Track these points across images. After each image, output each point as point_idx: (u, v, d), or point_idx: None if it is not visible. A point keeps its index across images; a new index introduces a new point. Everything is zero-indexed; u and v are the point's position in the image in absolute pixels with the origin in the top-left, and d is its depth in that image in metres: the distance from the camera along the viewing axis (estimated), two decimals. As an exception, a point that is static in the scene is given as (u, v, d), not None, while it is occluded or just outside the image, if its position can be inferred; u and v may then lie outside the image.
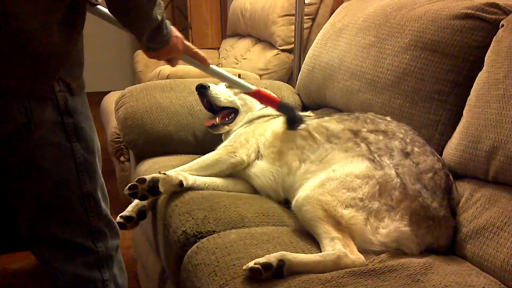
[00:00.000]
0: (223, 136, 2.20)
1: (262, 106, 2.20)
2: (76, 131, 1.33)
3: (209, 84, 2.21)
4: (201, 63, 1.77)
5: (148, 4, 1.34)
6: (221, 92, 2.20)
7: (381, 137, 1.66)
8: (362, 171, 1.54)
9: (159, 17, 1.40)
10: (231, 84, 2.00)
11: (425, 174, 1.54)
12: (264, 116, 2.14)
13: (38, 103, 1.26)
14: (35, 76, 1.24)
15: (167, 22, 1.48)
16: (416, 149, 1.61)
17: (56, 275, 1.42)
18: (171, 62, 1.67)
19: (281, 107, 1.95)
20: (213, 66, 1.83)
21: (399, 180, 1.51)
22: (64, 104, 1.30)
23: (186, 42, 1.68)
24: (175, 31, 1.56)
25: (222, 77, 1.91)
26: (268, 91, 2.05)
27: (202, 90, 2.20)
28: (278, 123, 1.97)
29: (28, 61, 1.22)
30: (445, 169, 1.60)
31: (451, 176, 1.61)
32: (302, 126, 1.83)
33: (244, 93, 2.02)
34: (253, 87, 1.94)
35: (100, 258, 1.44)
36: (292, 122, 1.87)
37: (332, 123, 1.78)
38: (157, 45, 1.51)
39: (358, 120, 1.76)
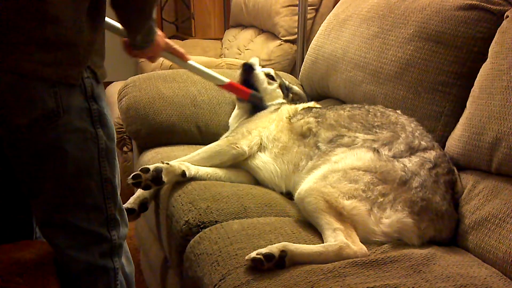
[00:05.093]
0: (230, 124, 2.21)
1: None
2: (100, 117, 1.36)
3: (256, 66, 2.22)
4: (181, 59, 1.85)
5: (152, 4, 1.38)
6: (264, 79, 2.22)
7: (390, 130, 1.65)
8: (365, 163, 1.54)
9: (154, 16, 1.45)
10: (208, 78, 2.07)
11: (429, 169, 1.54)
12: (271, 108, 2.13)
13: (67, 88, 1.28)
14: (68, 63, 1.26)
15: None
16: (423, 143, 1.61)
17: (69, 263, 1.43)
18: (153, 59, 1.72)
19: (252, 97, 2.10)
20: (191, 62, 1.91)
21: (402, 173, 1.50)
22: (91, 91, 1.33)
23: (166, 39, 1.74)
24: (157, 29, 1.62)
25: (199, 72, 2.00)
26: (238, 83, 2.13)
27: (249, 70, 2.19)
28: (283, 116, 1.97)
29: (62, 49, 1.24)
30: (449, 164, 1.60)
31: (456, 171, 1.61)
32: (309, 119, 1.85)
33: (217, 85, 2.07)
34: (226, 80, 2.04)
35: (113, 246, 1.45)
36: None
37: (342, 116, 1.77)
38: (146, 43, 1.55)
39: (368, 113, 1.76)
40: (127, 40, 1.58)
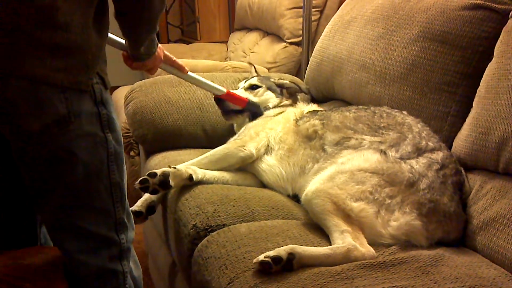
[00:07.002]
0: (235, 128, 2.21)
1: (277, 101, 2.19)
2: (109, 122, 1.37)
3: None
4: (180, 70, 1.92)
5: (157, 15, 1.40)
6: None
7: (396, 131, 1.65)
8: (372, 164, 1.53)
9: (157, 28, 1.47)
10: (206, 88, 2.12)
11: (437, 170, 1.53)
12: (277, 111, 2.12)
13: (77, 94, 1.30)
14: (77, 68, 1.28)
15: None
16: (430, 144, 1.60)
17: (79, 267, 1.43)
18: (151, 71, 1.73)
19: (249, 105, 2.14)
20: (190, 73, 1.99)
21: (409, 175, 1.50)
22: (100, 96, 1.35)
23: (165, 51, 1.78)
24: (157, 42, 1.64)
25: (198, 83, 2.07)
26: (236, 92, 2.18)
27: (219, 101, 2.16)
28: (290, 118, 1.97)
29: (72, 54, 1.26)
30: (457, 165, 1.59)
31: (463, 172, 1.60)
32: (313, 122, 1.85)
33: (216, 95, 2.12)
34: (224, 90, 2.11)
35: (122, 250, 1.47)
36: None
37: (347, 118, 1.77)
38: (147, 55, 1.56)
39: (374, 114, 1.75)
40: (127, 53, 1.59)
